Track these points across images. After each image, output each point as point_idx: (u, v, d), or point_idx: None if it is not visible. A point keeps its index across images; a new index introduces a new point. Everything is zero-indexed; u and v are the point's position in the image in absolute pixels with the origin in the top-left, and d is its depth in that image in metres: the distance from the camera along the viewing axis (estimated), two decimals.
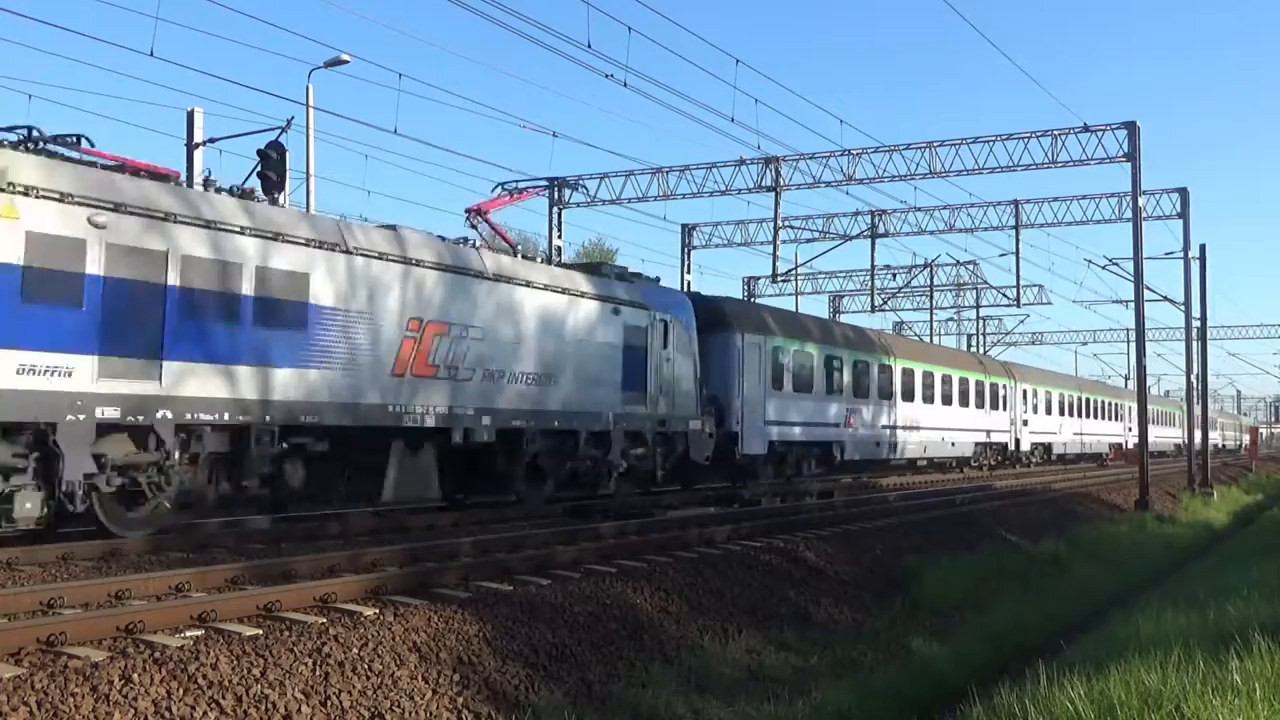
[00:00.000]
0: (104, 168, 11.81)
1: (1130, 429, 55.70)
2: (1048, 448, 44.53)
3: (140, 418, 11.48)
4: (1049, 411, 44.57)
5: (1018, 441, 40.26)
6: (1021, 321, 59.05)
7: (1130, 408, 56.72)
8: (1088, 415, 50.96)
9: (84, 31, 50.25)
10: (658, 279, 21.83)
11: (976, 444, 36.68)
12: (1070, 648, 10.08)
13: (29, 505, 10.72)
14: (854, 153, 30.45)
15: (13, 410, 10.45)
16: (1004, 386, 39.29)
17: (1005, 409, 39.23)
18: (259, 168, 20.77)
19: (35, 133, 11.53)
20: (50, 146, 11.57)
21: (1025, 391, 41.45)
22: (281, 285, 12.99)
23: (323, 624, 7.91)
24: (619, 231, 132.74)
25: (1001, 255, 47.10)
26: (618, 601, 10.06)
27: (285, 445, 13.06)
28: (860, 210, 37.91)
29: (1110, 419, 55.59)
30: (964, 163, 29.29)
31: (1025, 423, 41.21)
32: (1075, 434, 48.36)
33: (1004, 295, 42.96)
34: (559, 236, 33.59)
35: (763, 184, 32.01)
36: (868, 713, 8.44)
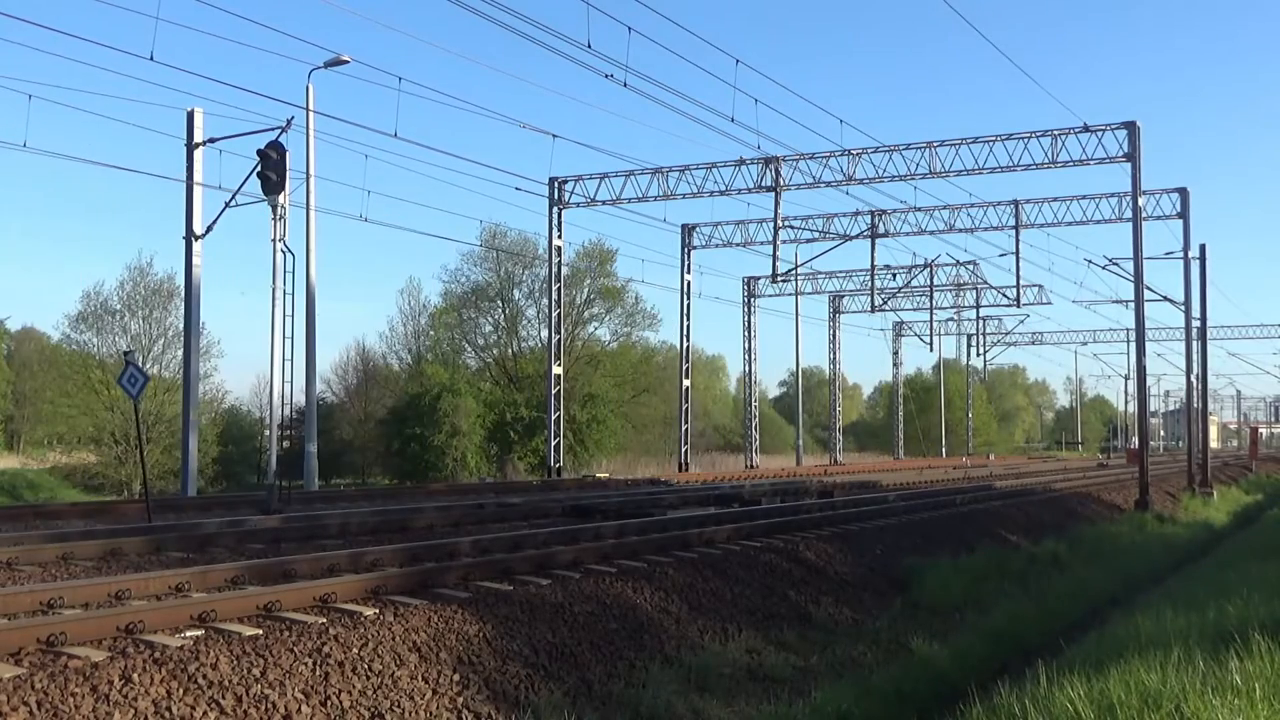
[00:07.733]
0: None
1: None
2: None
3: None
4: None
5: None
6: (1021, 321, 59.16)
7: None
8: None
9: (84, 35, 50.04)
10: None
11: None
12: (1070, 648, 10.07)
13: None
14: (854, 153, 30.49)
15: None
16: None
17: None
18: (259, 168, 20.84)
19: None
20: None
21: None
22: None
23: (323, 624, 7.91)
24: (619, 232, 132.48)
25: (1001, 255, 46.91)
26: (618, 601, 10.06)
27: None
28: (860, 210, 37.99)
29: None
30: (964, 163, 29.36)
31: None
32: None
33: (1004, 295, 43.06)
34: (559, 237, 33.61)
35: (763, 184, 32.04)
36: (868, 713, 8.44)
